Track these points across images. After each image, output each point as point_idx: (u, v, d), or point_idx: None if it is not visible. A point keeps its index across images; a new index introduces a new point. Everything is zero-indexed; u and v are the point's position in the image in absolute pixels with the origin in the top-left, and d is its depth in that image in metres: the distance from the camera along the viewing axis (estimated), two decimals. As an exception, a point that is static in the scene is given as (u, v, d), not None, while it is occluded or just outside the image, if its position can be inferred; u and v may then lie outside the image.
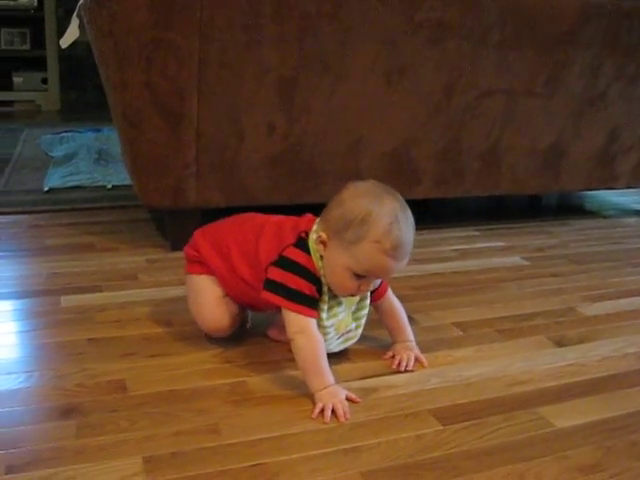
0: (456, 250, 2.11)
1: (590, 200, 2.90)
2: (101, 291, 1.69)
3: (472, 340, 1.50)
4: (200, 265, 1.40)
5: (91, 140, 3.63)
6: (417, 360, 1.38)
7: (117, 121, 1.92)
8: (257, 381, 1.28)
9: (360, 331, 1.37)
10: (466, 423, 1.18)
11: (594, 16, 2.12)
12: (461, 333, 1.54)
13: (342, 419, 1.17)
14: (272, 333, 1.47)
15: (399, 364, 1.36)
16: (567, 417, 1.21)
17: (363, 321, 1.37)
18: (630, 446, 1.13)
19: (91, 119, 4.48)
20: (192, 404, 1.20)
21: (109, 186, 2.70)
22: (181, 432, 1.11)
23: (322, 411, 1.18)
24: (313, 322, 1.25)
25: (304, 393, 1.24)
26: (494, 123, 2.17)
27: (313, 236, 1.27)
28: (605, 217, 2.65)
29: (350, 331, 1.35)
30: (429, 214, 2.49)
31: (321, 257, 1.26)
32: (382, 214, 1.19)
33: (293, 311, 1.24)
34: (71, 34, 2.33)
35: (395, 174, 2.08)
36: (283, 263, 1.27)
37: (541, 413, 1.22)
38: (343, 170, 2.01)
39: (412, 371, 1.35)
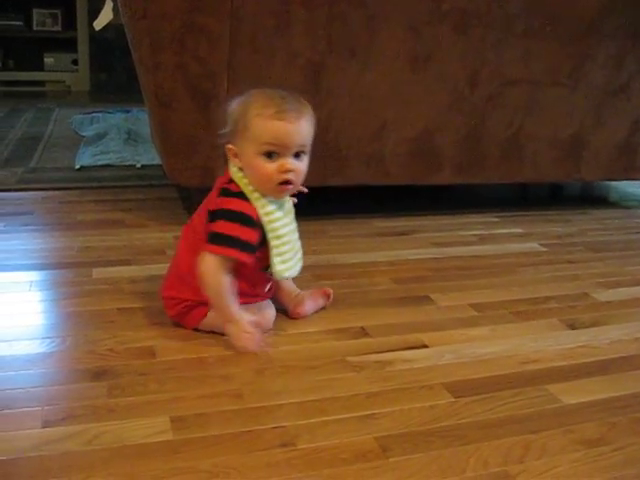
0: (475, 235, 2.15)
1: (612, 191, 2.93)
2: (130, 264, 1.76)
3: (487, 320, 1.55)
4: None
5: (121, 120, 3.71)
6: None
7: (149, 102, 1.98)
8: (278, 351, 1.34)
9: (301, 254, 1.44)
10: (477, 396, 1.23)
11: (618, 7, 2.15)
12: (477, 314, 1.58)
13: (256, 346, 1.31)
14: (293, 312, 1.49)
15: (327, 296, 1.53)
16: (575, 394, 1.25)
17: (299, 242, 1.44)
18: (634, 423, 1.18)
19: (120, 100, 4.55)
20: (217, 370, 1.26)
21: (138, 165, 2.77)
22: (206, 395, 1.18)
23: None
24: (227, 265, 1.28)
25: (323, 363, 1.30)
26: (516, 112, 2.20)
27: (233, 168, 1.33)
28: (626, 207, 2.68)
29: (298, 252, 1.42)
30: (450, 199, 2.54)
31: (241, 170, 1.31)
32: (259, 94, 1.28)
33: (218, 253, 1.27)
34: (105, 16, 2.39)
35: (418, 160, 2.13)
36: (213, 215, 1.31)
37: (550, 390, 1.26)
38: (367, 154, 2.06)
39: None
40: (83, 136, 3.35)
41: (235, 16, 1.81)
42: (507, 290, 1.73)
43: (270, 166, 1.26)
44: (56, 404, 1.13)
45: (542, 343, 1.45)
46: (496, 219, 2.34)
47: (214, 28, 1.80)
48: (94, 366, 1.25)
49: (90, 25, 5.17)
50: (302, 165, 1.31)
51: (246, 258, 1.28)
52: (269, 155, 1.25)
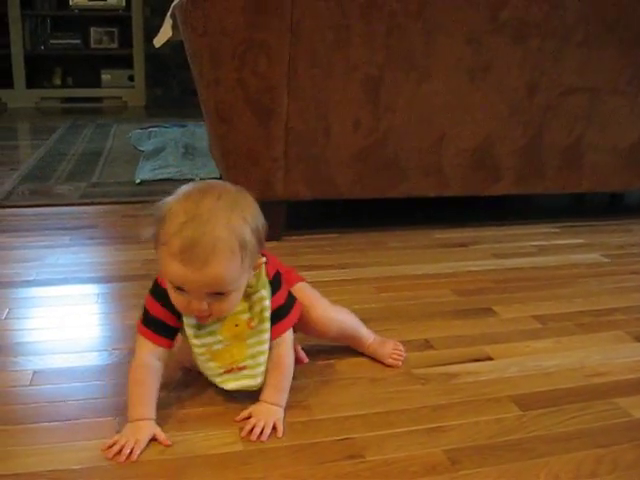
0: (536, 246, 2.13)
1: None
2: (194, 277, 1.78)
3: (551, 332, 1.53)
4: None
5: (178, 135, 3.77)
6: (274, 429, 1.12)
7: (209, 117, 2.01)
8: (343, 363, 1.35)
9: (260, 372, 1.16)
10: (545, 410, 1.22)
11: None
12: (540, 325, 1.57)
13: (121, 458, 1.04)
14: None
15: (251, 431, 1.11)
16: (645, 408, 1.23)
17: (260, 360, 1.16)
18: None
19: (175, 115, 4.63)
20: (284, 382, 1.27)
21: (197, 179, 2.81)
22: (274, 407, 1.19)
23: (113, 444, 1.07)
24: (149, 347, 1.13)
25: (388, 376, 1.31)
26: (576, 121, 2.18)
27: None
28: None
29: (245, 368, 1.16)
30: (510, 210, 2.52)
31: None
32: (178, 211, 1.01)
33: (138, 332, 1.15)
34: (164, 34, 2.44)
35: (476, 170, 2.13)
36: (151, 288, 1.16)
37: (619, 404, 1.24)
38: (426, 166, 2.06)
39: (262, 441, 1.10)
40: (142, 151, 3.42)
41: (294, 31, 1.83)
42: (570, 302, 1.71)
43: (179, 298, 1.06)
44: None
45: (608, 356, 1.43)
46: (556, 229, 2.31)
47: (273, 43, 1.83)
48: (163, 377, 1.27)
49: (145, 42, 5.29)
50: (222, 304, 1.07)
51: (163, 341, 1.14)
52: (178, 287, 1.05)
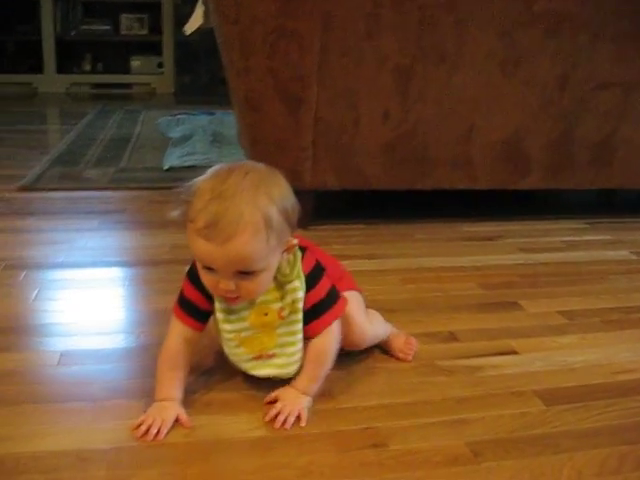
0: (564, 241, 2.11)
1: None
2: (220, 264, 1.79)
3: (577, 328, 1.52)
4: None
5: (205, 122, 3.78)
6: (298, 418, 1.11)
7: (238, 105, 2.02)
8: (369, 354, 1.34)
9: (290, 361, 1.16)
10: (569, 405, 1.21)
11: None
12: (567, 321, 1.56)
13: (149, 437, 1.06)
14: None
15: (276, 417, 1.11)
16: (673, 407, 1.22)
17: (292, 349, 1.15)
18: None
19: (203, 103, 4.65)
20: (308, 370, 1.28)
21: (224, 167, 2.82)
22: (298, 394, 1.19)
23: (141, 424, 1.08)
24: (182, 328, 1.15)
25: (412, 367, 1.31)
26: (608, 116, 2.16)
27: None
28: None
29: (274, 355, 1.15)
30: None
31: None
32: (205, 189, 1.01)
33: (173, 312, 1.16)
34: (195, 21, 2.45)
35: (505, 164, 2.11)
36: (188, 270, 1.16)
37: (646, 401, 1.24)
38: (455, 158, 2.05)
39: (285, 428, 1.10)
40: (170, 137, 3.44)
41: (325, 20, 1.83)
42: (598, 298, 1.69)
43: (210, 278, 1.06)
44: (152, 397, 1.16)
45: (636, 353, 1.42)
46: (585, 225, 2.29)
47: (305, 32, 1.83)
48: (195, 360, 1.27)
49: (175, 29, 5.30)
50: (250, 284, 1.05)
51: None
52: (206, 267, 1.05)
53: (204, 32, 2.78)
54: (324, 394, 1.19)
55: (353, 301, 1.26)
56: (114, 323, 1.48)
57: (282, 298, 1.13)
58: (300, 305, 1.13)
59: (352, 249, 1.94)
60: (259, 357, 1.16)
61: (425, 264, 1.85)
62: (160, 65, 5.63)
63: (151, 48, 5.63)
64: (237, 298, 1.08)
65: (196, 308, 1.15)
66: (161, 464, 1.01)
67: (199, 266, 1.07)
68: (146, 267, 1.75)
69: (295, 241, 1.10)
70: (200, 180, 1.04)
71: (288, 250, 1.10)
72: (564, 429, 1.14)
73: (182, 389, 1.14)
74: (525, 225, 2.22)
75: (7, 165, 2.86)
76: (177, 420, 1.10)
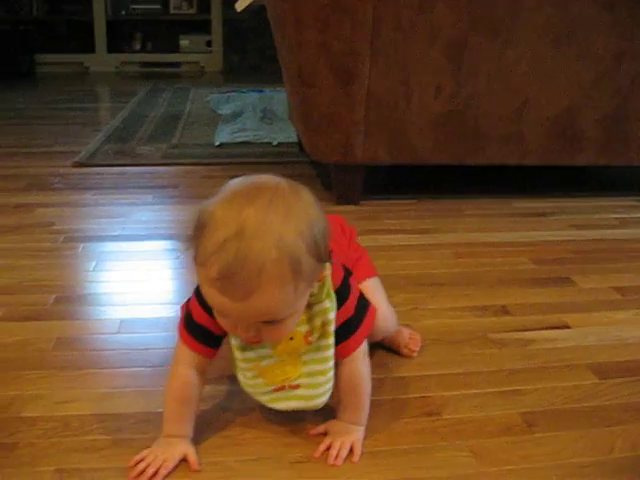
0: (617, 218, 2.09)
1: None
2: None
3: (631, 304, 1.51)
4: None
5: (255, 100, 3.81)
6: (351, 451, 1.00)
7: (291, 80, 2.03)
8: (420, 325, 1.36)
9: (318, 393, 0.99)
10: (622, 379, 1.21)
11: None
12: (620, 297, 1.54)
13: (144, 479, 0.93)
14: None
15: (327, 450, 1.00)
16: None
17: (318, 380, 0.99)
18: None
19: (251, 81, 4.68)
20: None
21: (274, 143, 2.84)
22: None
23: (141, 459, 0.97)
24: (191, 356, 0.99)
25: (465, 339, 1.32)
26: (665, 91, 2.12)
27: None
28: None
29: (299, 387, 0.99)
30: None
31: None
32: (219, 223, 0.81)
33: (180, 338, 1.01)
34: (247, -2, 2.46)
35: (558, 140, 2.09)
36: (196, 290, 0.97)
37: (700, 376, 1.23)
38: (507, 134, 2.04)
39: (335, 465, 0.98)
40: (220, 114, 3.47)
41: (378, -5, 1.83)
42: (652, 275, 1.68)
43: (224, 322, 0.90)
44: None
45: (692, 329, 1.41)
46: (637, 202, 2.26)
47: (358, 7, 1.83)
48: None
49: (224, 8, 5.32)
50: (274, 331, 0.89)
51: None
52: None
53: (252, 10, 2.79)
54: (379, 365, 1.20)
55: (375, 287, 1.19)
56: (169, 293, 1.52)
57: (309, 320, 0.96)
58: (331, 328, 0.96)
59: (403, 224, 1.95)
60: (281, 388, 0.99)
61: (476, 239, 1.85)
62: (209, 44, 5.66)
63: (200, 27, 5.66)
64: (259, 342, 0.93)
65: (209, 333, 0.98)
66: (226, 426, 1.04)
67: (214, 308, 0.90)
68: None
69: (327, 272, 0.93)
70: (214, 205, 0.84)
71: (318, 280, 0.92)
72: (617, 402, 1.14)
73: (192, 424, 1.01)
74: (577, 202, 2.19)
75: (62, 142, 2.92)
76: (184, 460, 0.97)
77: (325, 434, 1.03)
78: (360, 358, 1.01)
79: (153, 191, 2.24)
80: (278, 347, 0.96)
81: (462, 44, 1.91)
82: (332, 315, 0.96)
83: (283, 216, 0.81)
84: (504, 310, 1.44)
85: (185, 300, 1.01)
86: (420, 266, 1.65)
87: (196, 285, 0.94)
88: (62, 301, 1.45)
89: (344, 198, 2.00)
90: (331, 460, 0.98)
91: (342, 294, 0.97)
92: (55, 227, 1.88)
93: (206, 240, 0.81)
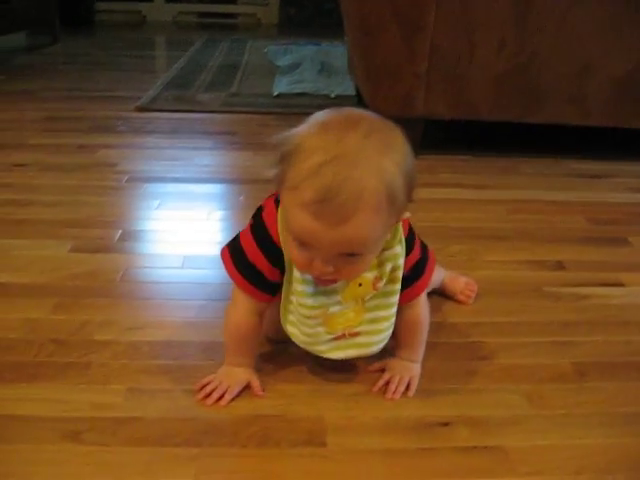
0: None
1: None
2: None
3: (687, 266, 1.52)
4: None
5: (312, 53, 3.81)
6: (408, 386, 1.03)
7: (353, 30, 2.04)
8: (477, 275, 1.37)
9: (379, 339, 1.00)
10: (675, 337, 1.23)
11: None
12: (676, 259, 1.55)
13: (209, 402, 0.98)
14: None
15: (386, 385, 1.03)
16: None
17: (381, 326, 0.99)
18: None
19: (307, 34, 4.66)
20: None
21: (332, 95, 2.85)
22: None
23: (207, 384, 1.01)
24: (246, 299, 0.98)
25: (520, 290, 1.35)
26: None
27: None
28: None
29: (359, 334, 0.99)
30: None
31: None
32: (314, 148, 0.79)
33: (236, 283, 0.99)
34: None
35: (622, 101, 2.05)
36: (253, 226, 0.98)
37: None
38: (569, 93, 2.02)
39: (393, 399, 1.02)
40: (278, 66, 3.48)
41: (447, -53, 1.82)
42: None
43: (301, 255, 0.86)
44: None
45: None
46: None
47: (425, -42, 1.83)
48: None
49: (283, -41, 5.29)
50: (352, 267, 0.87)
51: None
52: (302, 242, 0.84)
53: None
54: (435, 310, 1.23)
55: None
56: (230, 233, 1.55)
57: (379, 266, 0.94)
58: (400, 274, 0.96)
59: (458, 178, 1.96)
60: (340, 337, 0.99)
61: (531, 197, 1.85)
62: (266, -5, 5.64)
63: (257, -22, 5.64)
64: (333, 281, 0.91)
65: (265, 280, 0.96)
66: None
67: (289, 238, 0.87)
68: (257, 184, 1.81)
69: (408, 214, 0.90)
70: (303, 132, 0.82)
71: (395, 225, 0.92)
72: (668, 358, 1.16)
73: (255, 355, 1.05)
74: (635, 165, 2.17)
75: (123, 87, 2.97)
76: (248, 386, 1.01)
77: (382, 371, 1.06)
78: (422, 300, 1.04)
79: (213, 137, 2.28)
80: (346, 293, 0.95)
81: (529, 0, 1.89)
82: (401, 261, 0.95)
83: (382, 147, 0.80)
84: (559, 265, 1.46)
85: (226, 244, 1.01)
86: (475, 219, 1.67)
87: (251, 224, 0.97)
88: (128, 236, 1.51)
89: (408, 145, 2.01)
90: (389, 394, 1.01)
91: (410, 241, 0.98)
92: (119, 167, 1.93)
93: (299, 164, 0.78)
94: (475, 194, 1.84)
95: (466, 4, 1.88)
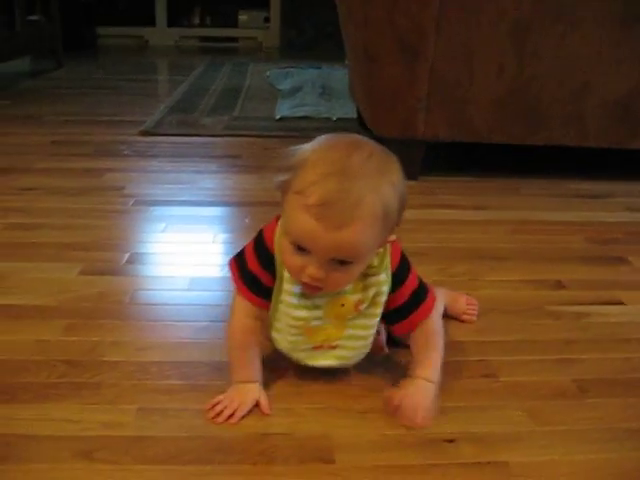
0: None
1: None
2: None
3: (686, 284, 1.54)
4: None
5: (314, 76, 3.86)
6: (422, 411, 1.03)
7: (355, 55, 2.09)
8: (479, 294, 1.39)
9: (354, 354, 1.07)
10: (676, 354, 1.25)
11: None
12: (675, 277, 1.57)
13: (220, 420, 1.01)
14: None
15: (397, 409, 1.03)
16: None
17: (357, 343, 1.06)
18: None
19: (308, 57, 4.72)
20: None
21: (334, 118, 2.90)
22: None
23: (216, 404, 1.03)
24: (246, 306, 1.04)
25: (521, 309, 1.37)
26: None
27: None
28: None
29: (337, 347, 1.06)
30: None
31: None
32: (321, 161, 0.89)
33: (237, 289, 1.06)
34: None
35: (618, 123, 2.09)
36: (256, 241, 1.05)
37: None
38: (567, 115, 2.05)
39: (415, 425, 1.01)
40: (279, 89, 3.53)
41: (446, -26, 1.86)
42: None
43: (295, 259, 0.93)
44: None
45: None
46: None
47: (424, -15, 1.87)
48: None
49: (283, -17, 5.36)
50: (341, 275, 0.94)
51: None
52: (298, 247, 0.91)
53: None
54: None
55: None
56: (236, 256, 1.59)
57: (363, 290, 1.02)
58: (382, 299, 1.03)
59: (459, 199, 1.99)
60: (319, 347, 1.06)
61: (532, 217, 1.88)
62: (267, 19, 5.70)
63: (258, 2, 5.70)
64: (319, 289, 0.95)
65: (262, 285, 1.03)
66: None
67: (285, 243, 0.93)
68: (263, 207, 1.84)
69: (394, 237, 0.99)
70: (311, 148, 0.91)
71: (383, 244, 0.98)
72: (667, 375, 1.18)
73: (260, 370, 1.07)
74: (633, 185, 2.20)
75: (127, 111, 3.01)
76: (257, 405, 1.04)
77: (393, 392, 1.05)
78: (434, 319, 1.07)
79: (217, 160, 2.32)
80: (328, 310, 1.02)
81: (526, 26, 1.92)
82: (385, 288, 1.02)
83: (381, 169, 0.90)
84: (559, 284, 1.48)
85: (234, 255, 1.07)
86: (477, 240, 1.70)
87: (254, 238, 1.04)
88: (135, 259, 1.54)
89: (403, 173, 2.04)
90: (406, 421, 1.01)
91: (403, 270, 1.04)
92: (125, 191, 1.96)
93: (307, 171, 0.88)
94: (476, 215, 1.87)
95: (466, 30, 1.92)
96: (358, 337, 1.06)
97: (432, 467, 0.94)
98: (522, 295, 1.43)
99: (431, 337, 1.07)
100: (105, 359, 1.15)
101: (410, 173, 2.07)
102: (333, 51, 4.95)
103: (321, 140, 0.93)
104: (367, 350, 1.08)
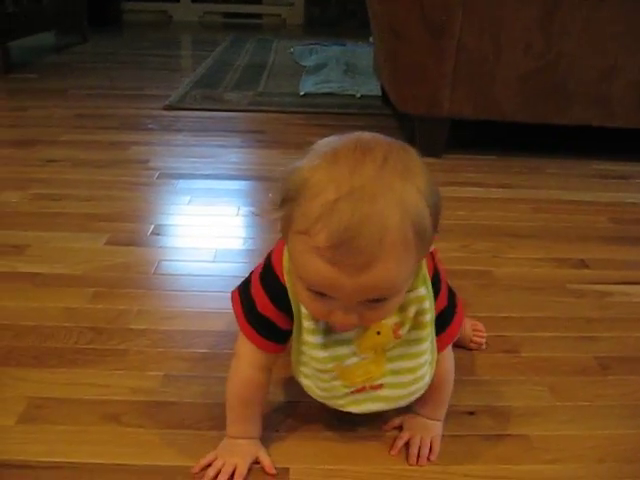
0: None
1: None
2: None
3: None
4: None
5: (338, 53, 3.85)
6: (431, 450, 0.91)
7: (381, 32, 2.08)
8: (501, 272, 1.42)
9: (404, 393, 0.87)
10: (696, 334, 1.25)
11: None
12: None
13: None
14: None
15: (407, 449, 0.92)
16: None
17: (405, 379, 0.86)
18: None
19: (332, 34, 4.70)
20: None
21: (358, 95, 2.89)
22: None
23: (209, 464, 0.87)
24: (255, 352, 0.86)
25: (544, 287, 1.37)
26: None
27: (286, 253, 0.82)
28: None
29: (382, 387, 0.86)
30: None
31: None
32: (324, 183, 0.67)
33: (242, 331, 0.87)
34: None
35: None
36: (262, 274, 0.86)
37: None
38: (593, 95, 2.03)
39: (420, 465, 0.90)
40: (304, 66, 3.53)
41: (474, -51, 1.85)
42: None
43: (316, 305, 0.74)
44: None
45: None
46: None
47: (453, -39, 1.85)
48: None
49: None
50: (375, 313, 0.74)
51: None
52: (317, 292, 0.72)
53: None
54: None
55: None
56: (259, 228, 1.60)
57: (401, 310, 0.81)
58: (427, 318, 0.83)
59: (483, 177, 1.99)
60: (361, 390, 0.86)
61: (556, 196, 1.87)
62: (291, -4, 5.69)
63: (283, -21, 5.69)
64: (352, 324, 0.76)
65: (275, 328, 0.85)
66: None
67: (300, 288, 0.74)
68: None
69: (432, 247, 0.80)
70: (309, 165, 0.70)
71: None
72: (688, 354, 1.18)
73: (260, 424, 0.91)
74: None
75: (152, 86, 3.02)
76: (256, 462, 0.88)
77: (399, 429, 0.95)
78: (447, 353, 0.91)
79: (241, 135, 2.32)
80: (362, 343, 0.82)
81: (554, 2, 1.91)
82: (427, 304, 0.82)
83: (402, 172, 0.68)
84: (582, 263, 1.48)
85: (238, 286, 0.90)
86: (500, 218, 1.70)
87: (261, 269, 0.86)
88: (160, 230, 1.56)
89: (427, 150, 2.03)
90: (413, 460, 0.90)
91: (437, 282, 0.84)
92: (150, 164, 1.98)
93: (309, 202, 0.67)
94: (500, 193, 1.87)
95: (493, 6, 1.90)
96: (405, 370, 0.85)
97: (452, 438, 0.95)
98: (544, 273, 1.43)
99: (442, 378, 0.91)
100: (131, 327, 1.17)
101: (434, 151, 2.11)
102: (356, 29, 4.93)
103: (320, 151, 0.71)
104: (420, 387, 0.87)
